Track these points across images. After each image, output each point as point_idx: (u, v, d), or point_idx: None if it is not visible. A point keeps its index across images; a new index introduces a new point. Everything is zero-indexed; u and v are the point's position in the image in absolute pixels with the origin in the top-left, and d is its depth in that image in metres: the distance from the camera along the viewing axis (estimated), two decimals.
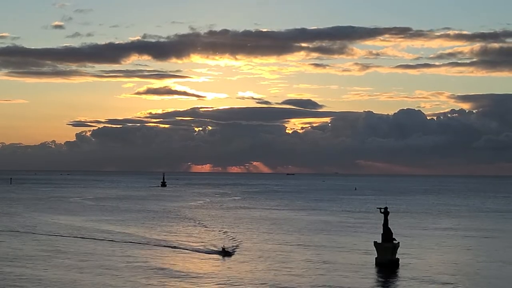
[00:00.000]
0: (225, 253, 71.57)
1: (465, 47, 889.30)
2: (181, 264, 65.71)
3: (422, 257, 71.58)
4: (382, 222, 66.70)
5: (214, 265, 65.57)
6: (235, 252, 73.48)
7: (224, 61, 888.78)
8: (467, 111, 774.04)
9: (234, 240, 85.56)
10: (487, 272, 63.84)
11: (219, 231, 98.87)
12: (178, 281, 56.75)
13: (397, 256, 65.41)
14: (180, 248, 77.45)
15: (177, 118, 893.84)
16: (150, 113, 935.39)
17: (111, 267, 63.44)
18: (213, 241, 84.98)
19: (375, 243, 65.88)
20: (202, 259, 69.79)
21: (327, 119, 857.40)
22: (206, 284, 55.23)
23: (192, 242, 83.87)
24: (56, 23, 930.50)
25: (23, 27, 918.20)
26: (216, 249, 75.07)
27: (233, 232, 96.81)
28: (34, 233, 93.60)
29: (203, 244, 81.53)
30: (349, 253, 75.06)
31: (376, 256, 65.35)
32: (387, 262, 64.11)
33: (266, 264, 65.62)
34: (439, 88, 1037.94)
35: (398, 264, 64.55)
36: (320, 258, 70.34)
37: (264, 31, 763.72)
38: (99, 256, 70.84)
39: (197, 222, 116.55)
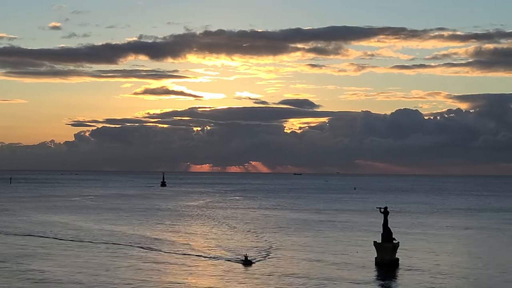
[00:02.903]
0: (247, 262, 65.26)
1: (460, 48, 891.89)
2: (197, 274, 63.10)
3: (422, 257, 71.88)
4: (382, 222, 67.20)
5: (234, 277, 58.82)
6: (254, 260, 67.05)
7: (221, 61, 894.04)
8: (464, 111, 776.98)
9: (239, 242, 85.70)
10: (487, 271, 64.19)
11: (230, 234, 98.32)
12: None
13: (397, 255, 65.87)
14: (193, 255, 71.83)
15: (175, 118, 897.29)
16: (148, 113, 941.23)
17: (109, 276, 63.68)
18: (225, 245, 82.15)
19: (375, 243, 66.25)
20: (222, 267, 64.02)
21: (325, 119, 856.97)
22: None
23: (205, 247, 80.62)
24: (53, 24, 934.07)
25: (20, 27, 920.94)
26: (237, 257, 68.67)
27: (233, 233, 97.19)
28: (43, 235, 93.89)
29: (220, 250, 76.10)
30: (348, 252, 75.48)
31: (376, 256, 65.77)
32: (387, 262, 64.48)
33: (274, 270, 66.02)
34: (435, 88, 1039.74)
35: (398, 264, 64.93)
36: (319, 258, 70.69)
37: (259, 32, 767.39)
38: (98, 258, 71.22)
39: (208, 223, 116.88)
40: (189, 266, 64.86)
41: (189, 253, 73.78)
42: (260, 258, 68.93)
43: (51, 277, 57.82)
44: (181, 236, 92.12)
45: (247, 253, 68.75)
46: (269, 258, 69.91)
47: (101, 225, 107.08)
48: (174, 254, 72.73)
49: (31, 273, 59.90)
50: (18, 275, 58.67)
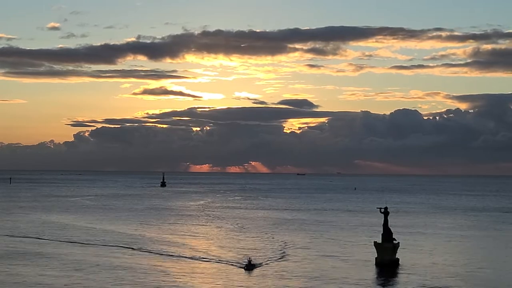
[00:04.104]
0: (249, 266, 62.38)
1: (458, 49, 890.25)
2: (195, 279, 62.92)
3: (422, 257, 72.03)
4: (382, 222, 67.42)
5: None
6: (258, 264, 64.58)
7: (219, 61, 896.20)
8: (463, 111, 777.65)
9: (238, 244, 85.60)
10: (486, 271, 64.38)
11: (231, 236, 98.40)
12: None
13: (397, 256, 66.09)
14: (192, 258, 70.41)
15: (174, 118, 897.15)
16: (148, 113, 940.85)
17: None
18: (227, 248, 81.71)
19: (375, 243, 66.45)
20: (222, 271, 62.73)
21: (324, 119, 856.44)
22: None
23: (205, 249, 79.95)
24: (52, 24, 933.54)
25: (18, 28, 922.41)
26: (239, 261, 66.27)
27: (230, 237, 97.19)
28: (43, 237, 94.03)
29: (221, 253, 74.13)
30: (349, 253, 75.67)
31: (376, 256, 66.00)
32: (387, 262, 64.69)
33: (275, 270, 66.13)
34: (434, 88, 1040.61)
35: (398, 264, 65.14)
36: (320, 258, 70.79)
37: (258, 32, 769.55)
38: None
39: (208, 224, 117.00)
40: (186, 269, 63.81)
41: (188, 255, 72.15)
42: (261, 262, 66.30)
43: (42, 280, 57.72)
44: (181, 237, 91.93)
45: (250, 257, 65.87)
46: (270, 261, 68.54)
47: (99, 225, 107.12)
48: (171, 257, 71.05)
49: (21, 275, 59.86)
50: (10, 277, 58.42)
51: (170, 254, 73.31)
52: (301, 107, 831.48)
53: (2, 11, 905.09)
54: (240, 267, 63.24)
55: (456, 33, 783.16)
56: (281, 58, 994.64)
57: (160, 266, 64.72)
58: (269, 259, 69.73)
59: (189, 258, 70.53)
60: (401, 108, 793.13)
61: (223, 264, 65.82)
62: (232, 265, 65.21)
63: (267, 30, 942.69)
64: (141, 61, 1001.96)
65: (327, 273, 61.62)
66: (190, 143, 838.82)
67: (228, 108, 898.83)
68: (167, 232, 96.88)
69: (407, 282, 57.84)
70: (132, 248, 77.86)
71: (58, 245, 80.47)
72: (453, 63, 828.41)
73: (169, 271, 61.56)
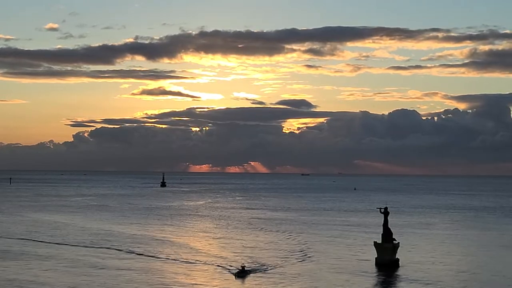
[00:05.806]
0: (241, 273, 58.63)
1: (455, 50, 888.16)
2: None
3: (423, 257, 71.97)
4: (382, 222, 67.35)
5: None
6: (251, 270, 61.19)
7: (217, 62, 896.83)
8: (461, 111, 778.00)
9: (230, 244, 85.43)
10: (486, 271, 64.36)
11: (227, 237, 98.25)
12: None
13: (397, 256, 66.03)
14: (184, 261, 69.49)
15: (173, 118, 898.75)
16: (146, 113, 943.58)
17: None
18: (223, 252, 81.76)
19: (375, 243, 66.40)
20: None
21: (323, 120, 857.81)
22: None
23: (200, 251, 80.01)
24: (50, 25, 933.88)
25: (16, 28, 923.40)
26: (233, 268, 62.22)
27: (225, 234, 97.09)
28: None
29: (216, 256, 71.88)
30: (348, 253, 75.54)
31: (376, 256, 65.94)
32: (387, 262, 64.63)
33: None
34: (432, 88, 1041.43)
35: (398, 264, 65.09)
36: (318, 259, 70.62)
37: (255, 32, 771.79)
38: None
39: (208, 224, 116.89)
40: (175, 273, 62.04)
41: (179, 258, 69.96)
42: (255, 268, 62.58)
43: (40, 281, 57.53)
44: (179, 237, 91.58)
45: (244, 263, 62.99)
46: (267, 263, 66.72)
47: (97, 225, 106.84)
48: (158, 258, 69.25)
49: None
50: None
51: (164, 256, 71.68)
52: (299, 107, 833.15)
53: (0, 12, 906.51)
54: (232, 273, 60.08)
55: (452, 34, 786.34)
56: (279, 58, 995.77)
57: (150, 268, 64.08)
58: (266, 261, 68.36)
59: (180, 260, 68.23)
60: (399, 108, 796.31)
61: (212, 268, 63.15)
62: (221, 267, 63.57)
63: (264, 31, 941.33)
64: (140, 62, 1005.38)
65: (326, 273, 61.49)
66: (189, 143, 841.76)
67: (227, 108, 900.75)
68: (165, 233, 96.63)
69: (407, 282, 57.79)
70: (119, 249, 77.08)
71: (56, 246, 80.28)
72: (450, 63, 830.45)
73: (161, 273, 61.07)
